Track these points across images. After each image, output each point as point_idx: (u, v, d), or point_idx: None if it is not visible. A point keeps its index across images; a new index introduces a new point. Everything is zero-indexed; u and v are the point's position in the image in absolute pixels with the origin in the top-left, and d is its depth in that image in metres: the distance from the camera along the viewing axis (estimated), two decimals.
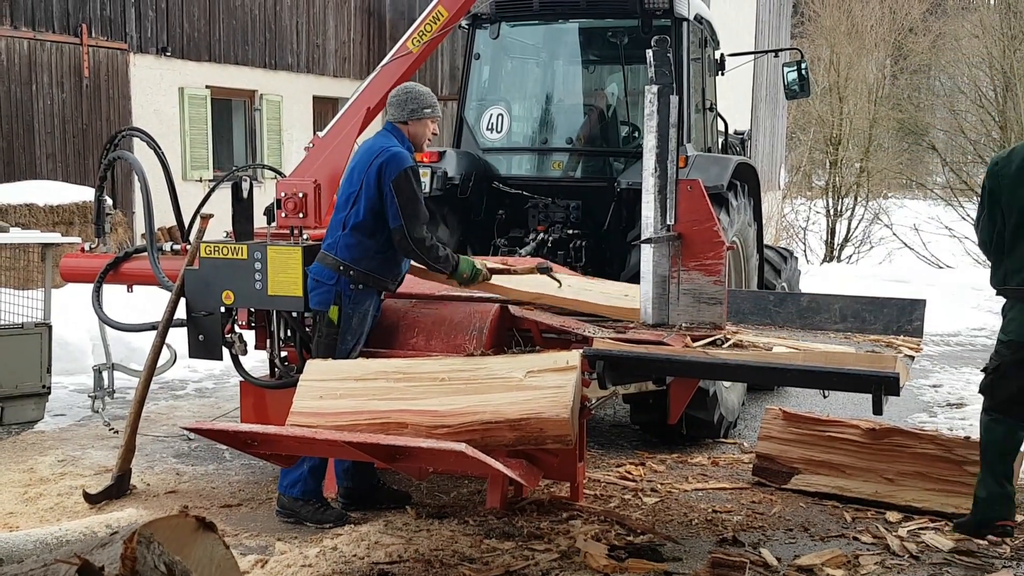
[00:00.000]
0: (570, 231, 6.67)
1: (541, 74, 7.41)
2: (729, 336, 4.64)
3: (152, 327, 5.37)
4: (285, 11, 14.51)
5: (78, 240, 6.70)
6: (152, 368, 5.24)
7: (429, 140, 4.86)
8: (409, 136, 4.75)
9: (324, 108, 14.98)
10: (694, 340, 4.53)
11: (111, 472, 5.12)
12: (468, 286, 4.78)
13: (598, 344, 4.44)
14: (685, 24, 6.66)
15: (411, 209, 4.54)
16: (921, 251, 23.38)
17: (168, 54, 12.79)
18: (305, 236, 5.19)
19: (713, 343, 4.54)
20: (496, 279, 4.87)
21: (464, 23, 6.98)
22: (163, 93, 12.80)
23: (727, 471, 5.71)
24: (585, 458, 4.98)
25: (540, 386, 3.95)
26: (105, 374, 5.93)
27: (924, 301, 5.21)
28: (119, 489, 5.03)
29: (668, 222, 4.76)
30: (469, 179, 6.73)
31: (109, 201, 5.99)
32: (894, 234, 24.02)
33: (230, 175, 5.75)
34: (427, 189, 6.50)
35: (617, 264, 6.44)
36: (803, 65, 7.85)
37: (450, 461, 3.90)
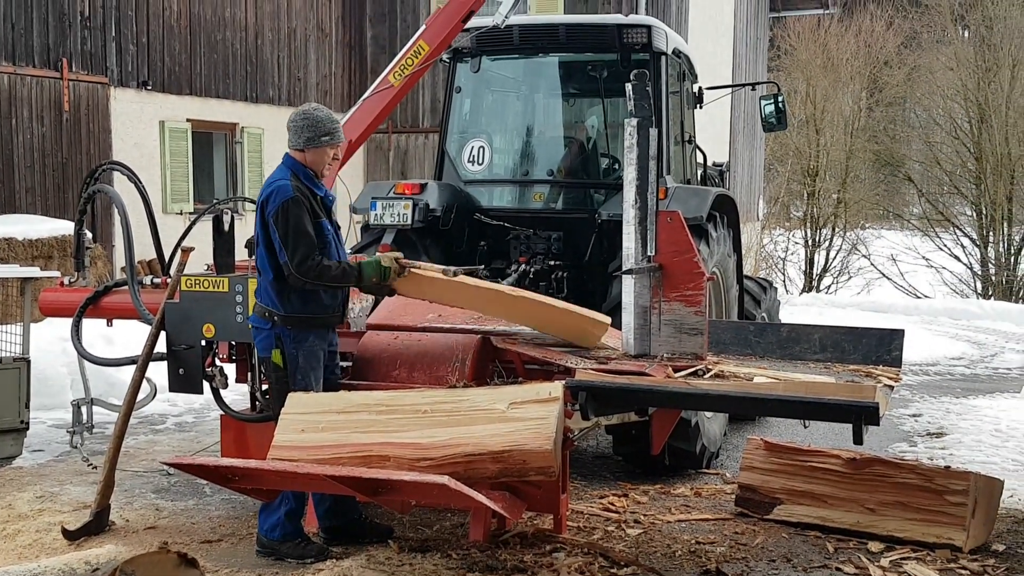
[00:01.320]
0: (552, 262, 6.69)
1: (522, 107, 7.47)
2: (710, 366, 4.66)
3: (132, 361, 5.33)
4: (267, 45, 14.57)
5: (57, 274, 6.66)
6: (131, 402, 5.20)
7: (329, 165, 4.68)
8: (307, 164, 4.58)
9: None
10: (676, 371, 4.55)
11: (90, 508, 5.05)
12: (385, 285, 4.63)
13: (580, 375, 4.45)
14: (663, 58, 6.74)
15: (292, 241, 4.37)
16: (899, 281, 23.57)
17: (149, 88, 12.80)
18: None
19: (695, 373, 4.56)
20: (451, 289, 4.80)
21: (445, 57, 7.03)
22: (144, 127, 12.80)
23: (710, 502, 5.71)
24: (568, 490, 4.97)
25: (523, 418, 3.95)
26: (84, 409, 5.88)
27: (902, 331, 5.25)
28: (98, 525, 4.97)
29: (649, 253, 4.80)
30: (451, 211, 6.76)
31: (89, 235, 5.97)
32: (872, 264, 24.22)
33: (211, 208, 5.74)
34: (409, 221, 6.52)
35: (599, 295, 6.47)
36: (780, 98, 7.95)
37: (433, 494, 3.89)
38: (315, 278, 4.42)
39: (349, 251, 6.38)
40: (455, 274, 4.68)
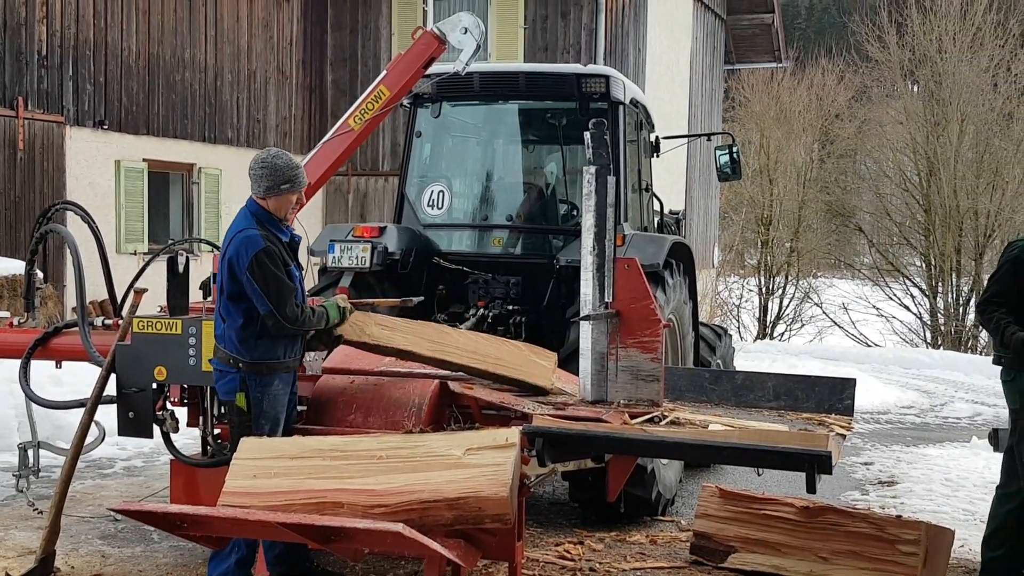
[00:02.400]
0: (510, 307, 6.70)
1: (481, 152, 7.52)
2: (666, 413, 4.68)
3: (80, 404, 5.23)
4: (226, 86, 14.55)
5: (6, 315, 6.55)
6: (79, 446, 5.09)
7: (296, 208, 4.66)
8: (270, 210, 4.55)
9: None
10: (632, 417, 4.56)
11: (35, 554, 4.93)
12: (341, 326, 4.64)
13: (537, 421, 4.45)
14: (621, 108, 6.83)
15: (276, 292, 4.37)
16: (850, 330, 23.91)
17: (105, 127, 12.70)
18: None
19: (651, 420, 4.57)
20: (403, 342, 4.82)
21: (406, 102, 7.07)
22: (99, 166, 12.68)
23: (665, 550, 5.70)
24: (524, 537, 4.93)
25: (479, 464, 3.92)
26: (31, 452, 5.73)
27: (854, 380, 5.31)
28: (43, 572, 4.84)
29: (606, 299, 4.82)
30: (410, 254, 6.75)
31: (40, 275, 5.89)
32: (824, 312, 24.57)
33: (166, 248, 5.69)
34: (367, 264, 6.50)
35: (556, 340, 6.47)
36: (734, 148, 8.08)
37: (387, 542, 3.84)
38: (300, 325, 4.47)
39: (307, 294, 6.36)
40: (413, 303, 4.74)
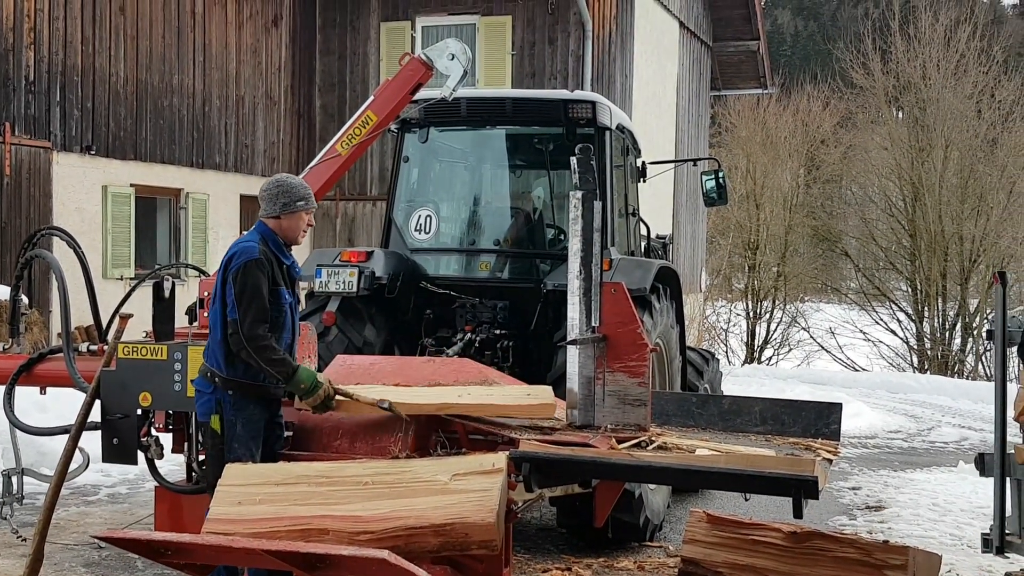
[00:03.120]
0: (497, 331, 6.70)
1: (469, 177, 7.54)
2: (653, 438, 4.67)
3: (64, 431, 5.20)
4: (214, 112, 14.57)
5: None
6: (63, 473, 5.05)
7: (304, 232, 4.71)
8: (281, 230, 4.58)
9: (252, 207, 14.91)
10: (619, 442, 4.55)
11: None
12: (306, 401, 4.38)
13: (524, 446, 4.43)
14: (608, 133, 6.87)
15: (246, 302, 4.33)
16: (837, 354, 23.96)
17: (93, 152, 12.69)
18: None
19: (638, 445, 4.56)
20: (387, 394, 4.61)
21: (393, 127, 7.09)
22: (86, 191, 12.65)
23: (653, 575, 5.67)
24: (511, 563, 4.90)
25: (466, 490, 3.91)
26: (14, 479, 5.68)
27: (840, 405, 5.32)
28: None
29: (593, 324, 4.83)
30: (397, 279, 6.76)
31: (25, 300, 5.86)
32: (811, 337, 24.63)
33: (152, 274, 5.68)
34: (354, 289, 6.50)
35: (543, 365, 6.48)
36: (721, 174, 8.14)
37: (372, 569, 3.81)
38: (255, 349, 4.33)
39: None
40: (389, 407, 4.50)
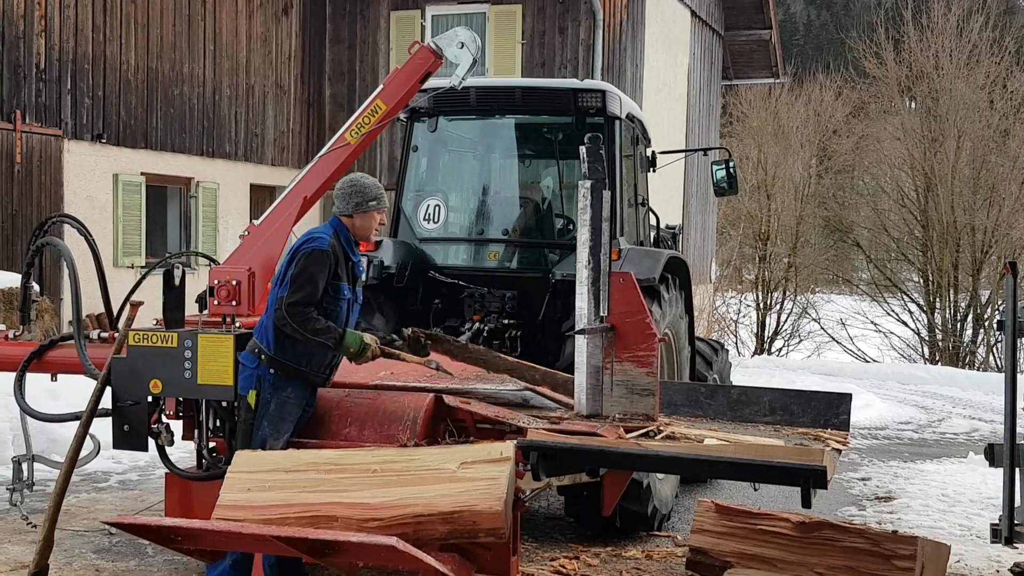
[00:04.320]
0: (506, 321, 6.70)
1: (478, 167, 7.53)
2: (662, 428, 4.67)
3: (75, 417, 5.22)
4: (224, 101, 14.58)
5: (2, 327, 6.53)
6: (74, 460, 5.08)
7: (376, 231, 4.87)
8: (354, 229, 4.77)
9: (261, 196, 14.96)
10: (627, 431, 4.55)
11: (28, 568, 4.91)
12: (357, 362, 4.68)
13: (532, 435, 4.44)
14: (617, 122, 6.85)
15: (298, 282, 4.52)
16: (848, 345, 23.90)
17: (103, 141, 12.72)
18: (238, 324, 5.13)
19: (646, 435, 4.56)
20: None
21: (402, 116, 7.08)
22: (97, 180, 12.69)
23: (661, 565, 5.68)
24: (519, 552, 4.91)
25: (474, 478, 3.92)
26: (25, 466, 5.71)
27: (850, 395, 5.31)
28: None
29: (601, 314, 4.83)
30: (405, 268, 6.76)
31: (36, 287, 5.88)
32: (822, 328, 24.56)
33: (162, 262, 5.69)
34: (364, 278, 6.50)
35: (552, 354, 6.48)
36: (731, 164, 8.10)
37: (381, 556, 3.83)
38: (297, 322, 4.49)
39: None
40: (437, 367, 4.78)
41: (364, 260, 6.54)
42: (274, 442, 4.56)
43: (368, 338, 4.66)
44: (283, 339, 4.57)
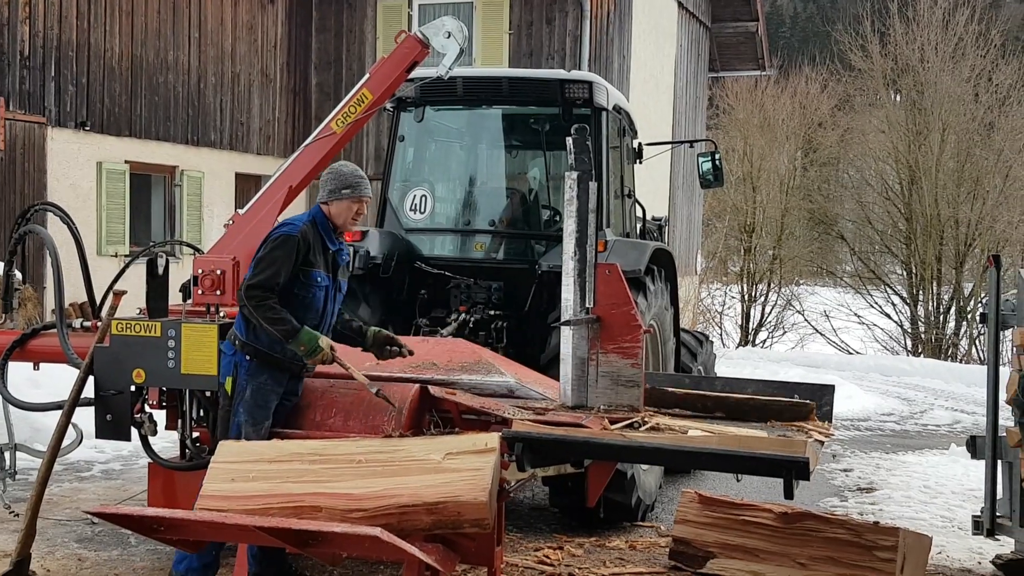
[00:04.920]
0: (492, 312, 6.70)
1: (464, 157, 7.52)
2: (646, 419, 4.68)
3: (58, 406, 5.20)
4: (209, 89, 14.50)
5: None
6: (56, 449, 5.05)
7: (355, 220, 4.80)
8: (330, 216, 4.74)
9: (247, 185, 14.90)
10: (612, 423, 4.56)
11: (10, 557, 4.89)
12: (308, 360, 4.54)
13: (517, 426, 4.44)
14: (604, 114, 6.85)
15: (260, 266, 4.53)
16: (832, 337, 24.01)
17: (87, 128, 12.63)
18: (222, 314, 5.11)
19: (630, 426, 4.58)
20: None
21: (389, 106, 7.06)
22: (80, 167, 12.60)
23: (644, 555, 5.70)
24: (503, 542, 4.92)
25: (458, 468, 3.92)
26: (7, 455, 5.70)
27: (833, 387, 5.34)
28: (19, 575, 4.80)
29: (587, 305, 4.83)
30: (391, 259, 6.75)
31: (19, 275, 5.84)
32: (806, 320, 24.66)
33: (146, 251, 5.66)
34: (349, 268, 6.49)
35: (537, 345, 6.48)
36: (717, 156, 8.11)
37: (364, 546, 3.83)
38: (253, 307, 4.47)
39: None
40: (377, 392, 4.61)
41: (350, 249, 6.53)
42: (251, 429, 4.55)
43: (324, 342, 4.54)
44: (253, 324, 4.55)
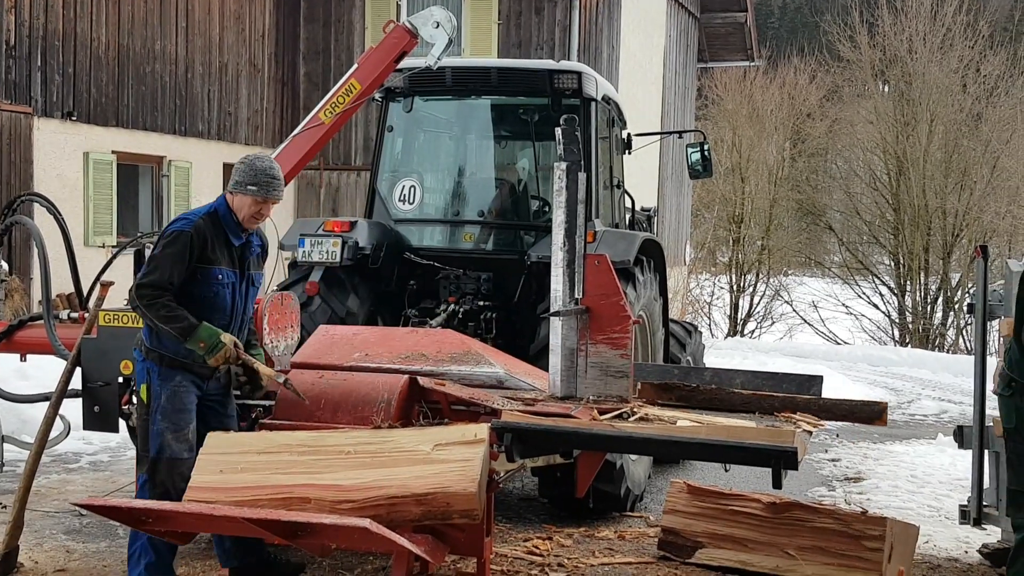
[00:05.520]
0: (481, 303, 6.70)
1: (453, 147, 7.51)
2: (635, 409, 4.69)
3: (45, 398, 5.18)
4: (197, 79, 14.43)
5: None
6: (44, 440, 5.04)
7: (255, 220, 4.44)
8: (233, 207, 4.45)
9: None
10: (601, 413, 4.57)
11: None
12: (209, 360, 4.29)
13: (507, 417, 4.44)
14: (593, 104, 6.84)
15: (151, 265, 4.30)
16: (820, 327, 24.09)
17: (74, 119, 12.56)
18: None
19: (619, 416, 4.58)
20: None
21: (378, 96, 7.04)
22: (67, 158, 12.53)
23: (633, 545, 5.72)
24: (492, 533, 4.93)
25: (447, 459, 3.92)
26: None
27: (821, 377, 5.35)
28: (6, 567, 4.79)
29: (576, 296, 4.83)
30: (380, 249, 6.73)
31: (5, 267, 5.81)
32: (794, 310, 24.73)
33: (133, 241, 5.64)
34: (337, 259, 6.48)
35: (526, 336, 6.49)
36: (706, 146, 8.12)
37: (354, 537, 3.83)
38: (145, 306, 4.25)
39: (276, 288, 6.32)
40: (286, 383, 4.51)
41: (339, 240, 6.50)
42: (171, 436, 4.31)
43: (227, 338, 4.30)
44: (155, 328, 4.33)
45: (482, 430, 4.06)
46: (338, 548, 4.74)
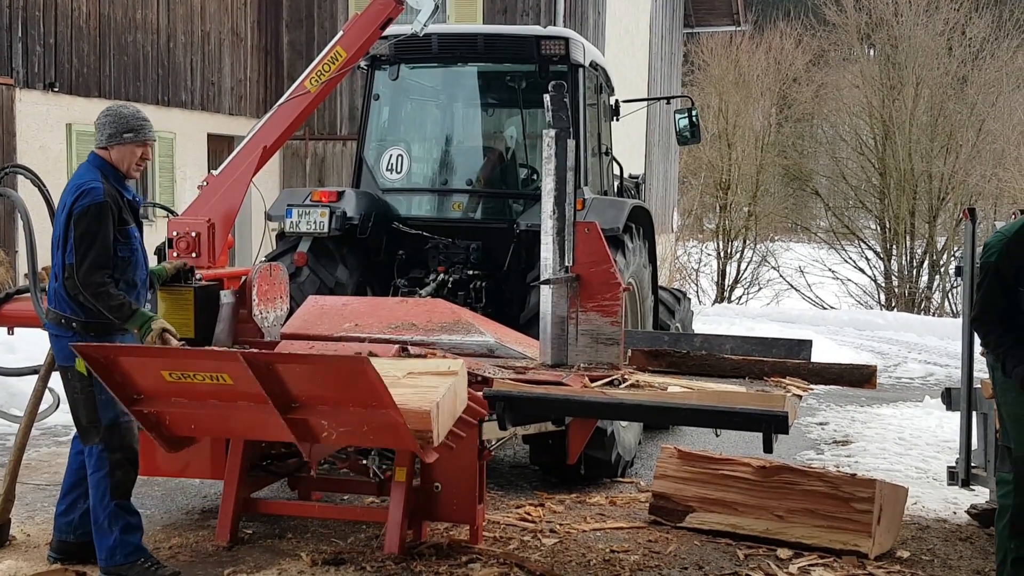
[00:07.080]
0: (470, 272, 6.69)
1: (440, 116, 7.46)
2: (626, 376, 4.71)
3: (34, 371, 5.15)
4: (179, 48, 14.28)
5: None
6: (33, 414, 5.02)
7: (139, 166, 4.46)
8: (113, 163, 4.41)
9: (219, 146, 14.74)
10: (592, 380, 4.58)
11: None
12: (141, 341, 4.28)
13: (498, 385, 4.46)
14: (581, 70, 6.80)
15: (86, 247, 4.20)
16: (806, 292, 24.18)
17: (56, 90, 12.42)
18: (198, 276, 5.07)
19: (610, 383, 4.60)
20: None
21: (363, 64, 6.97)
22: (50, 129, 12.41)
23: (624, 510, 5.76)
24: (485, 500, 4.96)
25: (415, 385, 4.05)
26: None
27: (810, 341, 5.38)
28: None
29: (566, 264, 4.83)
30: (368, 219, 6.70)
31: None
32: (781, 276, 24.80)
33: None
34: (325, 229, 6.44)
35: (517, 305, 6.49)
36: (693, 112, 8.09)
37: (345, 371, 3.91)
38: (94, 296, 4.21)
39: (264, 259, 6.30)
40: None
41: (327, 211, 6.47)
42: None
43: (156, 324, 4.29)
44: (79, 303, 4.29)
45: (457, 364, 4.17)
46: (334, 456, 4.80)
